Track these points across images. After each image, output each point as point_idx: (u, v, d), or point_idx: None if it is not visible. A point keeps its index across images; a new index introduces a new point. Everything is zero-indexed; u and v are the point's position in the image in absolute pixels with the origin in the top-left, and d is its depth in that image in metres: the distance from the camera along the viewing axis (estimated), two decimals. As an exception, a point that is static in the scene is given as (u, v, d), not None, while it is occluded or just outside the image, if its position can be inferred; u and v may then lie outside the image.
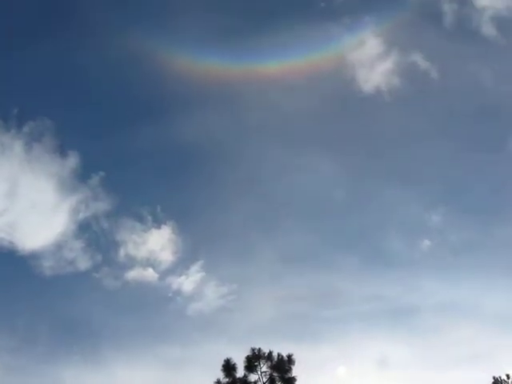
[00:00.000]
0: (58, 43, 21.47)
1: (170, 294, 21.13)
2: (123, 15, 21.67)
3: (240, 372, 14.68)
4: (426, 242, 21.22)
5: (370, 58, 22.06)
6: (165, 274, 21.17)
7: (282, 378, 14.70)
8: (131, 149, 21.67)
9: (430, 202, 21.49)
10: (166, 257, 21.16)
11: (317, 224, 21.73)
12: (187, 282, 21.07)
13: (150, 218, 21.19)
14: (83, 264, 20.70)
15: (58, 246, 20.44)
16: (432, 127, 22.20)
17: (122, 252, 21.01)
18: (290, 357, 14.89)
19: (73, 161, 20.50)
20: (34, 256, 20.18)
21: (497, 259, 20.62)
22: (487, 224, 21.24)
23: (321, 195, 21.78)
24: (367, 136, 22.34)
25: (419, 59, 21.92)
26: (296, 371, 14.58)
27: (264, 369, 14.70)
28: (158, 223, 21.21)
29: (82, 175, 20.62)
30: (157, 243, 21.11)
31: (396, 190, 21.64)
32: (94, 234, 20.93)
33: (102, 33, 21.37)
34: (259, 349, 14.76)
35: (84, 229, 20.82)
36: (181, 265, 21.19)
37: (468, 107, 21.91)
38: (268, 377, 14.53)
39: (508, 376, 14.97)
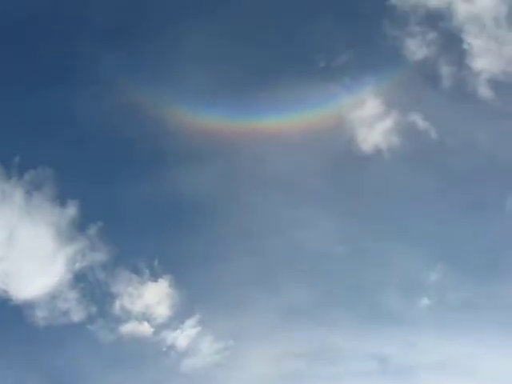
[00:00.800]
0: (59, 92, 21.78)
1: (164, 349, 20.86)
2: (124, 66, 22.05)
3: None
4: (425, 300, 21.10)
5: (369, 117, 22.50)
6: (160, 328, 20.93)
7: None
8: (130, 200, 21.74)
9: (428, 260, 21.44)
10: (162, 311, 20.99)
11: (315, 280, 21.63)
12: (182, 336, 20.83)
13: (147, 270, 21.12)
14: (77, 315, 20.54)
15: (53, 296, 20.35)
16: (431, 186, 22.35)
17: (117, 304, 20.84)
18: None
19: (72, 210, 20.63)
20: (28, 305, 20.07)
21: (495, 318, 20.44)
22: (486, 283, 21.13)
23: (320, 251, 21.76)
24: (366, 193, 22.44)
25: (418, 119, 22.34)
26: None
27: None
28: (154, 276, 21.12)
29: (81, 225, 20.69)
30: (153, 297, 20.97)
31: (395, 248, 21.60)
32: (90, 285, 20.83)
33: (102, 83, 21.76)
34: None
35: (80, 279, 20.75)
36: (176, 319, 20.99)
37: (466, 166, 22.14)
38: None
39: None
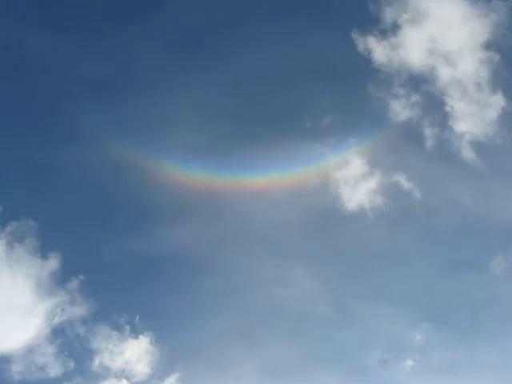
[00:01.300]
0: (45, 145, 21.99)
1: (141, 408, 20.35)
2: (109, 120, 22.30)
3: None
4: (409, 362, 20.82)
5: (353, 177, 22.71)
6: (139, 386, 20.48)
7: None
8: (113, 254, 21.58)
9: (413, 320, 21.29)
10: (142, 368, 20.53)
11: (299, 339, 21.34)
12: (161, 395, 20.36)
13: (127, 327, 20.77)
14: (54, 371, 20.06)
15: (30, 350, 19.92)
16: (415, 245, 22.42)
17: (96, 361, 20.39)
18: None
19: (53, 263, 20.42)
20: (4, 359, 19.63)
21: (480, 380, 20.23)
22: (471, 344, 20.96)
23: (303, 310, 21.55)
24: (350, 252, 22.44)
25: (402, 179, 22.56)
26: None
27: None
28: (135, 333, 20.76)
29: (62, 278, 20.45)
30: (133, 354, 20.54)
31: (379, 308, 21.45)
32: (69, 340, 20.43)
33: (88, 135, 21.96)
34: None
35: (58, 334, 20.35)
36: (156, 377, 20.53)
37: (450, 226, 22.27)
38: None
39: None
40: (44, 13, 23.73)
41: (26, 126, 22.96)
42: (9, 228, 20.55)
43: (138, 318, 20.75)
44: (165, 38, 24.10)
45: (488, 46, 22.46)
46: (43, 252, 20.62)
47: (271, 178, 22.57)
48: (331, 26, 23.92)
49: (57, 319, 20.41)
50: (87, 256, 21.59)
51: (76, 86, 23.44)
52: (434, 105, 22.89)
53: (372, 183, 22.71)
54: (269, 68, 24.09)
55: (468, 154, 22.28)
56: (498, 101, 22.32)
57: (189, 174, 22.34)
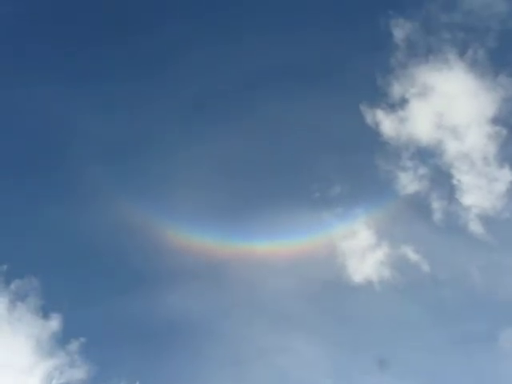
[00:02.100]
0: (55, 206, 22.29)
1: None
2: (119, 184, 22.53)
3: None
4: None
5: (361, 248, 22.64)
6: None
7: None
8: (116, 318, 21.36)
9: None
10: None
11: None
12: None
13: (126, 393, 20.29)
14: None
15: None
16: (422, 318, 21.97)
17: (92, 428, 19.85)
18: None
19: (54, 323, 20.24)
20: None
21: None
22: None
23: (306, 379, 21.02)
24: (357, 324, 22.03)
25: (409, 252, 22.38)
26: None
27: None
28: (135, 400, 20.24)
29: (62, 339, 20.20)
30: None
31: (384, 381, 20.87)
32: (65, 404, 19.98)
33: (95, 197, 22.11)
34: None
35: (55, 397, 19.93)
36: None
37: (457, 299, 21.90)
38: None
39: None
40: (54, 66, 24.53)
41: (34, 186, 23.42)
42: (12, 286, 20.54)
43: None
44: (173, 96, 24.72)
45: (495, 120, 22.80)
46: (45, 312, 20.54)
47: (277, 245, 22.54)
48: (340, 97, 24.43)
49: (55, 382, 20.03)
50: (89, 318, 21.40)
51: (80, 142, 23.94)
52: (442, 178, 23.05)
53: (379, 255, 22.58)
54: (278, 136, 24.52)
55: (475, 226, 22.20)
56: (505, 175, 22.43)
57: (196, 239, 22.36)
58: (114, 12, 25.28)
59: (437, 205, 22.78)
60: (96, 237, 22.52)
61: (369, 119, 23.46)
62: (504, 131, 22.66)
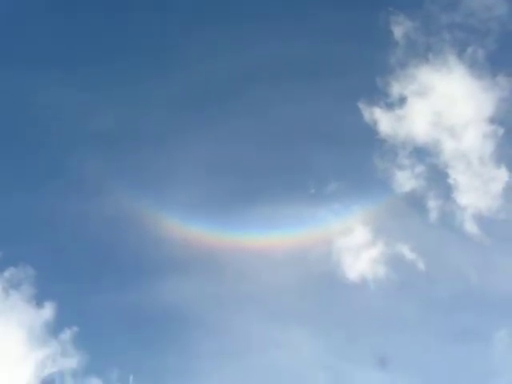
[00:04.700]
0: (49, 195, 22.12)
1: None
2: (113, 173, 22.55)
3: None
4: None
5: (356, 245, 22.63)
6: None
7: None
8: (109, 307, 21.30)
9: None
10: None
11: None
12: None
13: (118, 383, 20.20)
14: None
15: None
16: (416, 316, 22.01)
17: (83, 415, 19.73)
18: None
19: (47, 312, 20.09)
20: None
21: None
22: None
23: (299, 373, 20.99)
24: (350, 319, 22.05)
25: (405, 249, 22.42)
26: None
27: None
28: (127, 390, 20.14)
29: (55, 328, 20.07)
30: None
31: (377, 375, 20.90)
32: (57, 393, 19.84)
33: (90, 187, 22.17)
34: None
35: (47, 385, 19.80)
36: None
37: (452, 297, 21.97)
38: None
39: None
40: (56, 67, 24.51)
41: (27, 174, 23.32)
42: (6, 274, 20.41)
43: (132, 376, 20.18)
44: (172, 96, 24.74)
45: (492, 120, 22.90)
46: (38, 300, 20.40)
47: (273, 238, 22.54)
48: (339, 95, 24.52)
49: (47, 370, 19.91)
50: (83, 307, 21.31)
51: (81, 138, 23.91)
52: (438, 177, 23.10)
53: (374, 252, 22.61)
54: (276, 132, 24.55)
55: (471, 226, 22.27)
56: (501, 174, 22.50)
57: (190, 229, 22.32)
58: (108, 2, 25.34)
59: (433, 203, 22.87)
60: (90, 227, 22.48)
61: (367, 117, 23.54)
62: (501, 131, 22.79)
